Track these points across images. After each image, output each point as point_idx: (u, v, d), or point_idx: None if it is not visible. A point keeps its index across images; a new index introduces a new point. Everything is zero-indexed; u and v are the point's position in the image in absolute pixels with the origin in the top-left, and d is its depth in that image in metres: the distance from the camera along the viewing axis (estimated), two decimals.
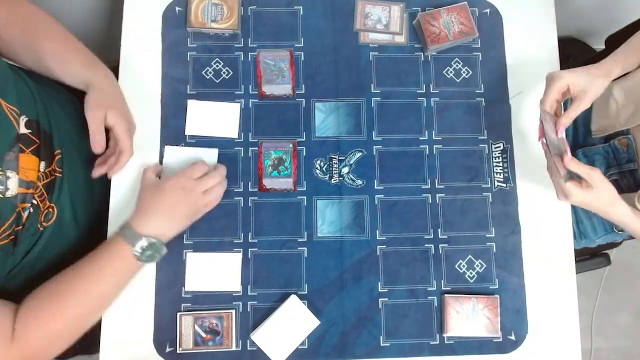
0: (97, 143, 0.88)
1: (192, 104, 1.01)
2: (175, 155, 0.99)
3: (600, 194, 0.87)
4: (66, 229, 0.91)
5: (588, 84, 0.89)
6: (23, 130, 0.80)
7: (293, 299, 0.95)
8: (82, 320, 0.82)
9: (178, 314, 0.94)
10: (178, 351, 0.93)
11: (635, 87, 0.99)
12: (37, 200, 0.82)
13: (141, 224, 0.85)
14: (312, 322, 0.95)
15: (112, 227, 0.96)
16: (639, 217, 0.90)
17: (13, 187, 0.77)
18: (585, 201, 0.88)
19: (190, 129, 1.00)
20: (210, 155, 0.99)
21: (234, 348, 0.94)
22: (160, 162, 0.99)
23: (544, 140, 0.90)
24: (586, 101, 0.89)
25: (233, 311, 0.95)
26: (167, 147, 0.99)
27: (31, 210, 0.80)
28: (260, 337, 0.94)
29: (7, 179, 0.75)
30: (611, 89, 1.05)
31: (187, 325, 0.94)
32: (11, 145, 0.77)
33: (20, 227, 0.79)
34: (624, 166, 1.04)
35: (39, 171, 0.83)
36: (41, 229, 0.85)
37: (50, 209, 0.87)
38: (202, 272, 0.96)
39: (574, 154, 1.13)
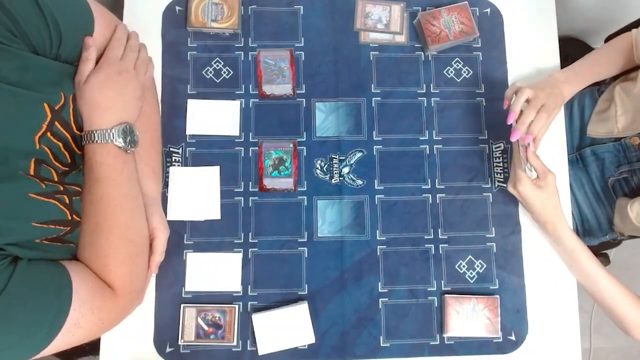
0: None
1: (191, 103, 1.01)
2: (180, 174, 0.99)
3: (548, 199, 0.93)
4: None
5: (546, 98, 0.93)
6: None
7: (303, 306, 0.95)
8: (134, 225, 0.82)
9: (182, 305, 0.95)
10: (180, 342, 0.94)
11: (635, 96, 1.00)
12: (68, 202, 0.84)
13: (102, 120, 0.79)
14: (308, 336, 0.95)
15: None
16: (578, 242, 0.95)
17: None
18: (530, 195, 0.92)
19: (191, 129, 1.00)
20: (212, 173, 1.00)
21: (234, 343, 0.94)
22: (163, 168, 0.99)
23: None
24: (546, 115, 0.92)
25: (236, 306, 0.95)
26: (171, 169, 1.00)
27: None
28: (260, 321, 0.94)
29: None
30: (613, 94, 1.06)
31: (189, 318, 0.94)
32: None
33: None
34: (635, 164, 1.04)
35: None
36: None
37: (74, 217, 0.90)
38: (202, 272, 0.96)
39: (581, 153, 1.14)
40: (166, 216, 0.95)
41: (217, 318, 0.94)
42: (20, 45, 0.69)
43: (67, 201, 0.76)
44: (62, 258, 0.77)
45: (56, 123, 0.75)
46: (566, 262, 0.99)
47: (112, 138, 0.78)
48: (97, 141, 0.78)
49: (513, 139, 0.91)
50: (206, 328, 0.94)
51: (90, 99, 0.79)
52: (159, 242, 0.88)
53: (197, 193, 0.99)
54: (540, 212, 0.94)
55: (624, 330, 0.95)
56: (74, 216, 0.78)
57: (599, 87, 1.16)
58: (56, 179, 0.75)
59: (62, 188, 0.76)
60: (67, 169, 0.78)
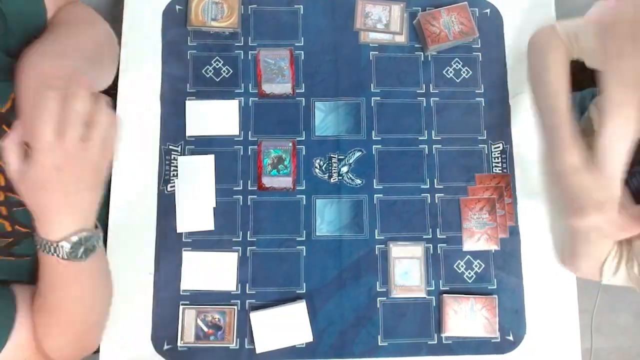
0: None
1: (190, 105, 1.01)
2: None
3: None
4: None
5: None
6: None
7: (301, 305, 0.95)
8: (91, 319, 0.79)
9: (181, 306, 0.95)
10: (179, 344, 0.94)
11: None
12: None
13: (48, 230, 0.64)
14: (306, 335, 0.95)
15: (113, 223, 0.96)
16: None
17: None
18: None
19: (191, 130, 1.01)
20: (207, 161, 1.00)
21: (234, 344, 0.94)
22: (162, 166, 0.99)
23: None
24: None
25: (236, 307, 0.95)
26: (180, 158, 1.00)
27: None
28: (258, 319, 0.94)
29: None
30: (589, 113, 1.04)
31: (189, 319, 0.94)
32: None
33: None
34: (633, 168, 1.03)
35: None
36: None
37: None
38: (198, 271, 0.96)
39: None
40: (175, 210, 0.96)
41: (216, 320, 0.95)
42: None
43: (6, 212, 0.71)
44: (11, 277, 0.74)
45: (3, 126, 0.68)
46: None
47: (58, 252, 0.64)
48: (42, 251, 0.65)
49: None
50: (206, 329, 0.94)
51: (28, 204, 0.62)
52: None
53: (195, 183, 0.99)
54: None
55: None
56: (17, 227, 0.73)
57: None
58: None
59: (2, 198, 0.70)
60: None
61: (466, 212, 1.00)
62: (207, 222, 0.97)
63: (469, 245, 0.99)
